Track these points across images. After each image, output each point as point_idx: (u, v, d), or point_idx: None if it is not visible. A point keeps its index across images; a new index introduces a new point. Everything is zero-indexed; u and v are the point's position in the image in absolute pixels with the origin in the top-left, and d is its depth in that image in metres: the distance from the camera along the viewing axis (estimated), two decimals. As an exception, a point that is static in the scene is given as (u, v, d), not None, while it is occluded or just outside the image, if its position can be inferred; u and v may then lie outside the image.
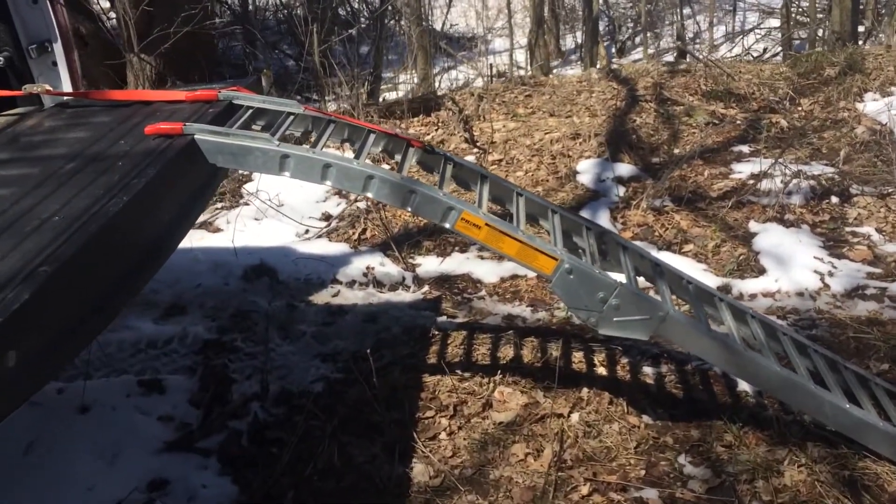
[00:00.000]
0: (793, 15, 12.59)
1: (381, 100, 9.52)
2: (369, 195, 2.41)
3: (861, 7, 10.20)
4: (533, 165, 5.13)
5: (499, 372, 3.22)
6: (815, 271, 3.82)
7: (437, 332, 3.65)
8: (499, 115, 6.08)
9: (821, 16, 12.13)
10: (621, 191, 4.73)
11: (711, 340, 2.51)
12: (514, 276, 4.10)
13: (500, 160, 5.27)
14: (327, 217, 4.80)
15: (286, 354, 3.56)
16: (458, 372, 3.28)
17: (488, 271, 4.17)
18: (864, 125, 5.32)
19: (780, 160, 4.44)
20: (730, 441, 2.80)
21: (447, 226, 2.43)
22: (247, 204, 4.92)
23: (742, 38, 13.43)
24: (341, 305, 3.98)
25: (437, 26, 13.92)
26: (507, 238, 2.43)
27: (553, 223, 2.71)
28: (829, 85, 6.24)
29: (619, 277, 2.54)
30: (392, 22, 13.18)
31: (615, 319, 2.49)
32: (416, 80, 10.78)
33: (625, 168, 4.98)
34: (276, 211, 4.76)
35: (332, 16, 10.43)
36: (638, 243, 4.18)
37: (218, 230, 4.68)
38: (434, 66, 11.98)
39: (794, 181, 4.51)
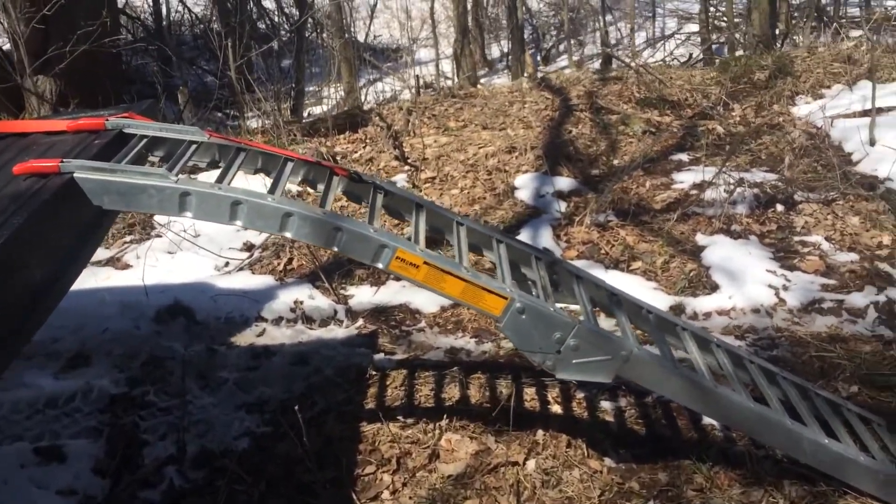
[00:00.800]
0: (711, 20, 12.75)
1: (305, 115, 9.14)
2: (288, 235, 2.07)
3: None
4: (468, 182, 4.86)
5: (445, 416, 2.92)
6: (769, 285, 3.65)
7: (374, 373, 3.33)
8: (429, 130, 5.80)
9: (738, 20, 12.29)
10: (562, 206, 4.50)
11: (680, 379, 2.26)
12: (456, 305, 3.81)
13: (434, 178, 4.98)
14: (249, 247, 4.42)
15: (206, 407, 3.17)
16: (400, 418, 2.96)
17: (427, 300, 3.86)
18: (800, 129, 5.23)
19: (724, 169, 4.27)
20: (701, 483, 2.55)
21: (380, 266, 2.11)
22: (159, 236, 4.50)
23: (663, 43, 13.53)
24: (267, 346, 3.61)
25: (361, 38, 13.61)
26: (450, 277, 2.13)
27: (499, 254, 2.43)
28: (760, 89, 6.18)
29: (575, 310, 2.27)
30: (314, 34, 12.80)
31: (574, 361, 2.22)
32: (341, 94, 10.44)
33: (564, 182, 4.75)
34: (192, 243, 4.35)
35: (251, 29, 10.01)
36: (584, 262, 3.94)
37: (127, 267, 4.25)
38: (359, 79, 11.65)
39: (739, 190, 4.36)
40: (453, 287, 2.14)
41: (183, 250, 4.36)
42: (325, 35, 12.42)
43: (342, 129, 6.01)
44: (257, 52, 7.04)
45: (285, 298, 3.93)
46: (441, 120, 5.96)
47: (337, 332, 3.72)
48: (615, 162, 5.05)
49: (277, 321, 3.81)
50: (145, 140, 2.30)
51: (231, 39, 6.84)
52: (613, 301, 2.53)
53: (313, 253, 4.20)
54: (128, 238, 4.53)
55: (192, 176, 4.97)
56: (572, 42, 13.76)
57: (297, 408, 2.64)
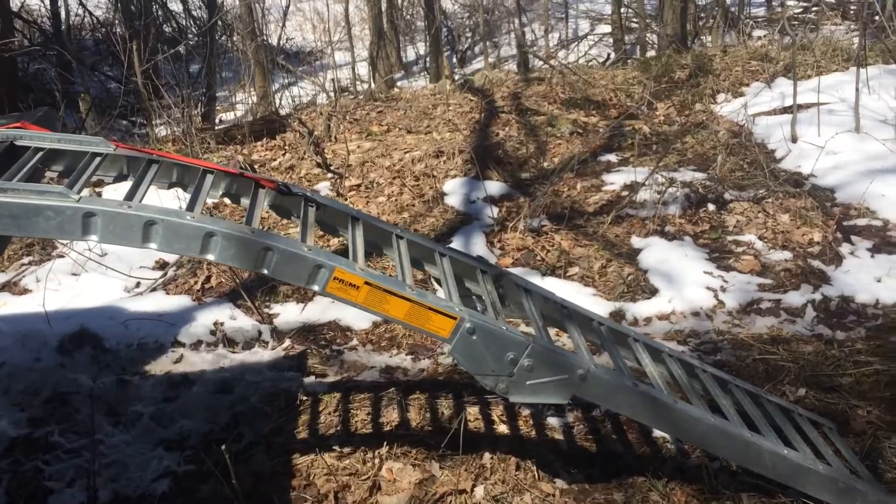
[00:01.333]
0: (623, 21, 12.93)
1: (217, 121, 8.75)
2: (210, 258, 1.84)
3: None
4: (395, 189, 4.66)
5: (384, 443, 2.71)
6: (707, 287, 3.59)
7: (305, 398, 3.09)
8: (352, 135, 5.57)
9: (648, 21, 12.50)
10: (494, 211, 4.36)
11: (640, 397, 2.13)
12: (388, 321, 3.60)
13: (359, 185, 4.76)
14: (163, 265, 4.10)
15: (119, 446, 2.88)
16: (336, 448, 2.74)
17: (358, 316, 3.65)
18: (724, 128, 5.25)
19: (656, 170, 4.21)
20: (657, 501, 2.44)
21: (316, 289, 1.90)
22: (61, 256, 4.13)
23: (577, 44, 13.66)
24: (186, 374, 3.33)
25: (273, 41, 13.22)
26: (393, 298, 1.94)
27: (443, 269, 2.25)
28: (682, 87, 6.20)
29: (525, 329, 2.12)
30: (224, 37, 12.35)
31: (528, 383, 2.06)
32: (254, 99, 10.07)
33: (495, 186, 4.62)
34: (98, 263, 4.01)
35: (157, 32, 9.54)
36: (520, 270, 3.81)
37: (25, 292, 3.87)
38: (273, 83, 11.29)
39: (670, 190, 4.31)
40: (397, 309, 1.95)
41: (88, 271, 4.01)
42: (235, 38, 11.99)
43: (259, 136, 5.72)
44: (164, 56, 6.65)
45: (204, 320, 3.65)
46: (363, 124, 5.74)
47: (262, 354, 3.47)
48: (545, 164, 4.94)
49: (196, 346, 3.52)
50: (41, 153, 2.02)
51: (136, 43, 6.44)
52: (564, 314, 2.39)
53: (233, 270, 3.92)
54: (25, 260, 4.15)
55: (97, 190, 4.62)
56: (487, 44, 13.73)
57: (223, 446, 2.39)
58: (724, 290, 3.59)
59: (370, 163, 5.01)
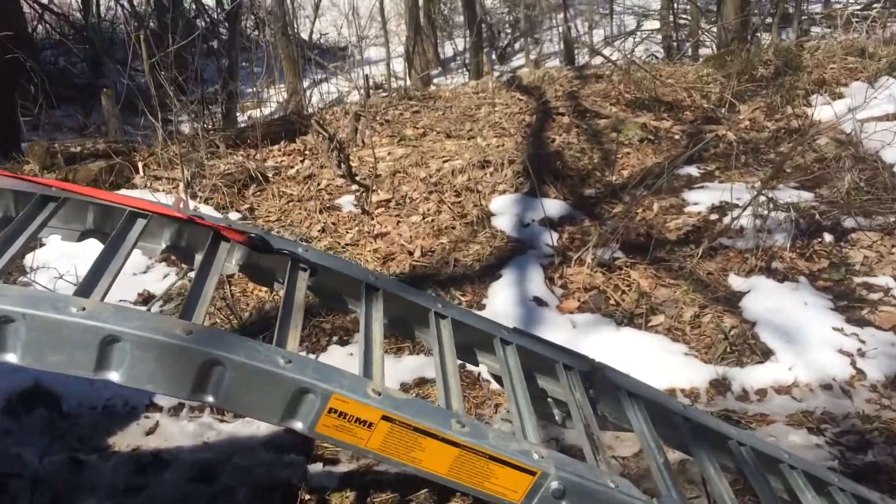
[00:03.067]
0: (674, 15, 11.97)
1: (245, 117, 8.08)
2: (114, 378, 1.06)
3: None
4: (432, 206, 3.87)
5: (413, 582, 1.92)
6: (840, 350, 2.74)
7: (308, 496, 2.32)
8: (382, 139, 4.79)
9: (703, 16, 11.55)
10: (554, 238, 3.54)
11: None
12: (424, 381, 2.82)
13: (388, 200, 3.98)
14: (147, 299, 3.35)
15: (56, 564, 2.13)
16: (346, 586, 1.95)
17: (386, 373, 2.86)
18: (826, 136, 4.36)
19: (762, 191, 3.36)
20: None
21: (299, 427, 1.12)
22: (26, 284, 3.40)
23: (622, 41, 12.74)
24: (158, 452, 2.57)
25: (305, 36, 12.54)
26: (432, 442, 1.14)
27: (507, 365, 1.44)
28: (766, 87, 5.31)
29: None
30: (255, 32, 11.70)
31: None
32: (284, 96, 9.37)
33: (553, 205, 3.79)
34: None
35: (186, 26, 8.91)
36: (588, 317, 2.99)
37: (-25, 331, 3.14)
38: (304, 79, 10.58)
39: (773, 216, 3.45)
40: (437, 459, 1.16)
41: (56, 305, 3.27)
42: (266, 32, 11.32)
43: (276, 139, 4.97)
44: (175, 47, 5.94)
45: (190, 375, 2.88)
46: (396, 127, 4.95)
47: (258, 426, 2.69)
48: (612, 178, 4.10)
49: (176, 411, 2.76)
50: None
51: (144, 34, 5.75)
52: (687, 429, 1.57)
53: (231, 307, 3.16)
54: (-15, 288, 3.42)
55: None
56: (529, 40, 12.89)
57: None
58: (862, 354, 2.73)
59: (402, 173, 4.22)
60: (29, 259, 3.59)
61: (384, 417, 1.11)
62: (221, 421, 2.73)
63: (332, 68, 11.20)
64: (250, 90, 9.98)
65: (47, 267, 3.46)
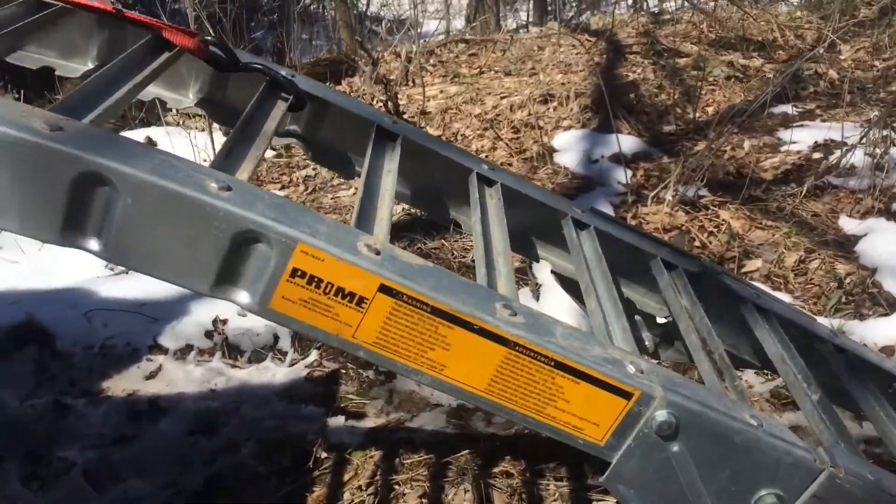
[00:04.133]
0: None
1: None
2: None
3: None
4: (486, 143, 3.41)
5: (448, 564, 1.49)
6: None
7: (325, 455, 1.90)
8: (434, 78, 4.34)
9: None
10: (627, 175, 3.04)
11: None
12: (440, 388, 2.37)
13: (440, 137, 3.52)
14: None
15: (22, 521, 1.77)
16: (362, 565, 1.53)
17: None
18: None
19: (878, 123, 2.81)
20: None
21: (244, 300, 0.67)
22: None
23: None
24: (157, 398, 2.19)
25: (365, 10, 12.18)
26: (462, 333, 0.69)
27: (583, 254, 0.97)
28: (871, 27, 4.67)
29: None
30: (313, 5, 11.42)
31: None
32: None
33: (626, 141, 3.29)
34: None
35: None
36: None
37: (-28, 263, 2.82)
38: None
39: (893, 152, 2.89)
40: (470, 363, 0.70)
41: (64, 238, 2.93)
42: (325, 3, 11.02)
43: (322, 79, 4.55)
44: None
45: (201, 315, 2.50)
46: (450, 66, 4.50)
47: (275, 373, 2.29)
48: (695, 116, 3.57)
49: (183, 353, 2.38)
50: None
51: None
52: (843, 365, 1.08)
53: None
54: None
55: None
56: (596, 11, 12.22)
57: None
58: None
59: (455, 110, 3.77)
60: None
61: (384, 289, 0.67)
62: (233, 366, 2.34)
63: (390, 38, 10.81)
64: (307, 59, 9.67)
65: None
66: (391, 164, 0.91)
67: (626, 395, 0.71)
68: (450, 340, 0.70)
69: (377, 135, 0.96)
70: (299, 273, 0.66)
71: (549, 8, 14.78)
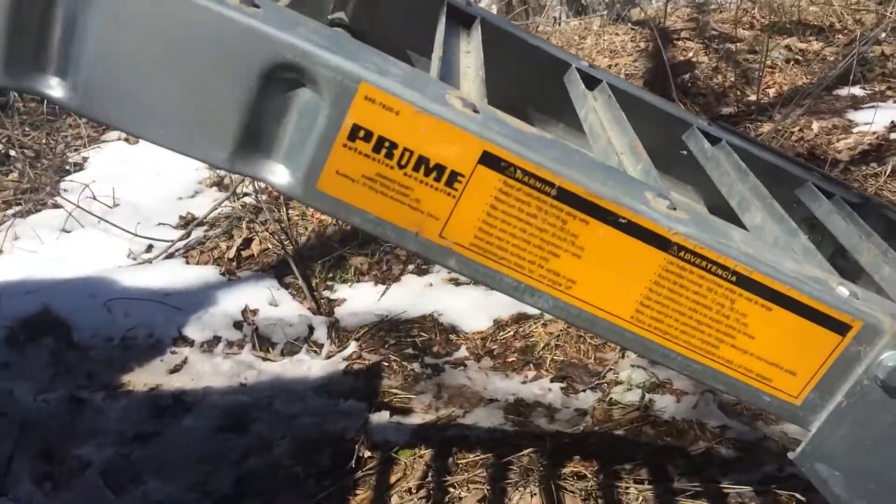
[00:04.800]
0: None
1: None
2: None
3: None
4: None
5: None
6: None
7: (368, 454, 1.68)
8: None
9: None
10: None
11: None
12: (523, 317, 2.14)
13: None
14: (188, 222, 2.79)
15: (29, 527, 1.57)
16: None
17: (470, 307, 2.21)
18: None
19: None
20: None
21: (281, 180, 0.45)
22: (56, 206, 2.91)
23: None
24: (181, 393, 1.99)
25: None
26: (599, 228, 0.45)
27: (724, 167, 0.74)
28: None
29: None
30: None
31: None
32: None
33: (685, 122, 3.04)
34: (100, 218, 2.74)
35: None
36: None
37: (-9, 253, 2.66)
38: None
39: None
40: (610, 273, 0.46)
41: (85, 227, 2.76)
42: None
43: None
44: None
45: (230, 305, 2.30)
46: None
47: (310, 365, 2.08)
48: (756, 98, 3.32)
49: (210, 345, 2.18)
50: None
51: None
52: None
53: (286, 231, 2.57)
54: (11, 211, 2.95)
55: None
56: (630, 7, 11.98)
57: None
58: None
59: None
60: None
61: (488, 159, 0.45)
62: (265, 359, 2.14)
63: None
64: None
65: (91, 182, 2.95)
66: (470, 47, 0.70)
67: (842, 329, 0.48)
68: (583, 241, 0.47)
69: (448, 17, 0.74)
70: (362, 133, 0.44)
71: (584, 3, 14.51)
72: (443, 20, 0.70)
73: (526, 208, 0.46)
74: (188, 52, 0.42)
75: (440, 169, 0.45)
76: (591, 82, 0.79)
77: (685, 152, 0.80)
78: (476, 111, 0.46)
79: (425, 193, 0.46)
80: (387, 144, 0.45)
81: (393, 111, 0.44)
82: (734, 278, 0.48)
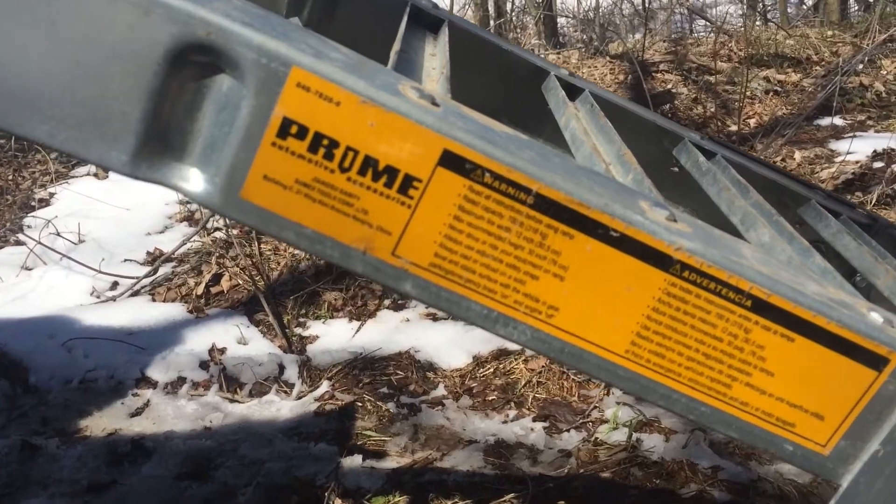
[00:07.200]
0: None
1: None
2: None
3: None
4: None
5: None
6: None
7: (339, 501, 1.58)
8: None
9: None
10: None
11: None
12: (503, 353, 2.06)
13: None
14: (155, 258, 2.69)
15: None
16: None
17: (448, 344, 2.12)
18: None
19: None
20: None
21: (195, 187, 0.36)
22: (18, 243, 2.80)
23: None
24: (141, 438, 1.87)
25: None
26: (586, 242, 0.37)
27: (722, 182, 0.66)
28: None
29: None
30: None
31: None
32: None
33: (666, 153, 3.00)
34: (62, 255, 2.64)
35: None
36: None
37: (-55, 291, 2.53)
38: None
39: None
40: (599, 298, 0.38)
41: (49, 264, 2.65)
42: None
43: None
44: None
45: (196, 344, 2.20)
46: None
47: (279, 407, 1.97)
48: (737, 127, 3.30)
49: (174, 386, 2.07)
50: None
51: None
52: None
53: (257, 265, 2.47)
54: (-29, 247, 2.83)
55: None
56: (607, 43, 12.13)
57: None
58: None
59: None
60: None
61: (449, 160, 0.37)
62: (231, 400, 2.02)
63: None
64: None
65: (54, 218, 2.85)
66: (436, 50, 0.62)
67: (877, 363, 0.40)
68: (566, 259, 0.39)
69: (411, 19, 0.67)
70: (295, 128, 0.36)
71: (561, 39, 14.70)
72: (405, 20, 0.63)
73: (497, 220, 0.38)
74: (76, 31, 0.34)
75: (391, 172, 0.37)
76: (572, 92, 0.71)
77: (676, 168, 0.73)
78: (436, 104, 0.38)
79: (374, 202, 0.37)
80: (325, 142, 0.36)
81: (333, 101, 0.36)
82: (749, 303, 0.40)
